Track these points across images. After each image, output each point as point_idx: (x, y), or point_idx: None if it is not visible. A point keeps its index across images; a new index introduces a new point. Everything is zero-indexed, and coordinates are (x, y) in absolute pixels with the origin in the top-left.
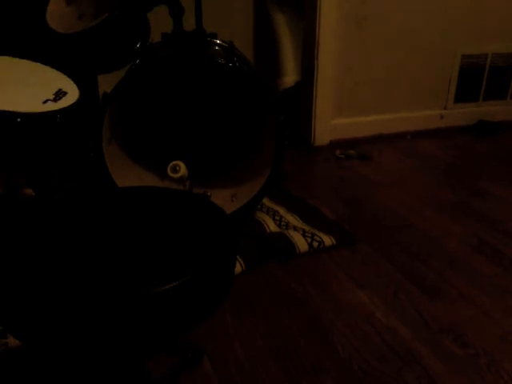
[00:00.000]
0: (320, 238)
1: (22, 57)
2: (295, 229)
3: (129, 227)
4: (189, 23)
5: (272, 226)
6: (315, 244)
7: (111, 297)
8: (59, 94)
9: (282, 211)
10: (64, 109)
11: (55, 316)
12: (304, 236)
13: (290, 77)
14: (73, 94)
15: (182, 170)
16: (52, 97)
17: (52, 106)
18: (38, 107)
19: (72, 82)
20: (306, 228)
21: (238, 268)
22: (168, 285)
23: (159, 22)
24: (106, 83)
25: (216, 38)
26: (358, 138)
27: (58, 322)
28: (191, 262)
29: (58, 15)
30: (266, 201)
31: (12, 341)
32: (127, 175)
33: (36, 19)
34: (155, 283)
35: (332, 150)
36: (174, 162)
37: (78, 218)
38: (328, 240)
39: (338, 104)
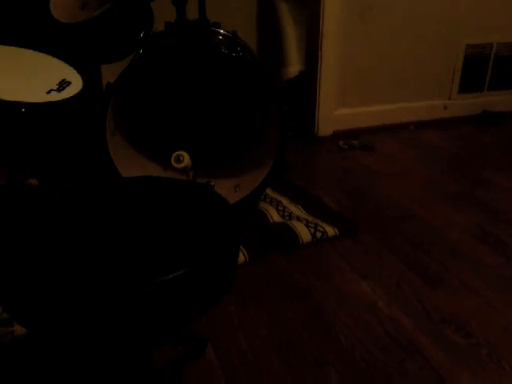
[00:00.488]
0: (323, 228)
1: (25, 46)
2: (298, 219)
3: (132, 217)
4: (192, 12)
5: (275, 217)
6: (318, 234)
7: (113, 287)
8: (63, 84)
9: (285, 202)
10: (68, 99)
11: (61, 304)
12: (307, 226)
13: (293, 67)
14: (77, 84)
15: (186, 160)
16: (56, 87)
17: (56, 96)
18: (42, 97)
19: (76, 72)
20: (310, 218)
21: (241, 258)
22: (170, 275)
23: (163, 11)
24: (110, 73)
25: (219, 28)
26: (361, 129)
27: (64, 310)
28: (194, 252)
29: (61, 5)
30: (269, 191)
31: (18, 329)
32: (131, 165)
33: (39, 9)
34: (158, 273)
35: (335, 141)
36: (178, 152)
37: (83, 207)
38: (331, 230)
39: (342, 94)
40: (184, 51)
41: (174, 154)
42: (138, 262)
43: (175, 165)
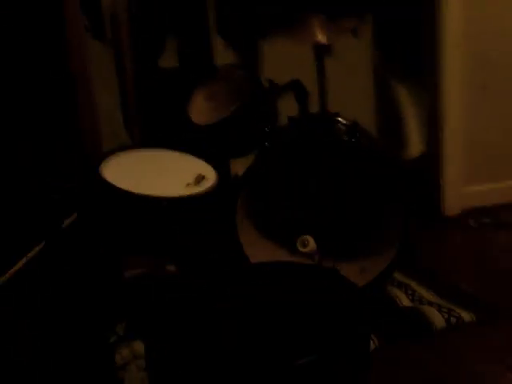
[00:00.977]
0: (458, 313)
1: (169, 148)
2: (430, 304)
3: (264, 302)
4: (314, 107)
5: (405, 301)
6: (453, 320)
7: (260, 363)
8: (199, 179)
9: (414, 285)
10: (203, 192)
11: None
12: (440, 311)
13: (415, 147)
14: (211, 178)
15: (311, 244)
16: (193, 181)
17: (193, 190)
18: (180, 191)
19: (210, 167)
20: (442, 303)
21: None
22: (309, 357)
23: (286, 106)
24: (237, 164)
25: (339, 117)
26: (494, 206)
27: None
28: (330, 337)
29: (198, 110)
30: (396, 274)
31: None
32: (259, 250)
33: (181, 115)
34: (297, 356)
35: (464, 220)
36: (303, 237)
37: (217, 294)
38: (467, 316)
39: (469, 171)
40: (305, 143)
41: (300, 238)
42: (275, 345)
43: (301, 249)
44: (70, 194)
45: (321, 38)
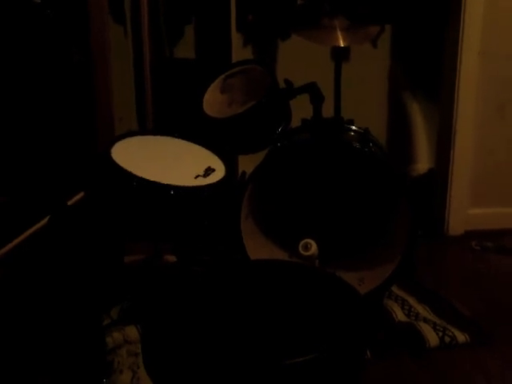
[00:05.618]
0: (452, 333)
1: (180, 137)
2: (425, 321)
3: (264, 299)
4: (328, 111)
5: (400, 316)
6: (447, 339)
7: (250, 364)
8: (208, 171)
9: (411, 301)
10: (212, 184)
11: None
12: (435, 329)
13: (422, 164)
14: (220, 172)
15: (313, 248)
16: (202, 173)
17: (202, 181)
18: (189, 182)
19: (220, 161)
20: (438, 321)
21: None
22: (302, 358)
23: (300, 108)
24: (246, 161)
25: (352, 125)
26: (497, 230)
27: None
28: (326, 339)
29: (212, 102)
30: (394, 289)
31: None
32: (259, 249)
33: (195, 107)
34: (290, 355)
35: (467, 241)
36: (306, 240)
37: (216, 287)
38: (461, 336)
39: (475, 193)
40: (317, 146)
41: (303, 242)
42: (271, 343)
43: (302, 252)
44: (78, 173)
45: (342, 41)
